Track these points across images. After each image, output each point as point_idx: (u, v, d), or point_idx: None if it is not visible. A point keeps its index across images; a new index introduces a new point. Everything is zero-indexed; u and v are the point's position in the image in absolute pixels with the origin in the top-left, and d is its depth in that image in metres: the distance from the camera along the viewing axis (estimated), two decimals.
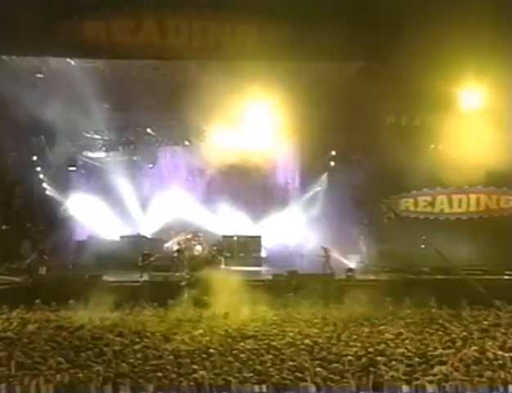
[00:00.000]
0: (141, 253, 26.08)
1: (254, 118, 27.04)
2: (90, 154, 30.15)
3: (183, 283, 22.94)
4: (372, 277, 24.69)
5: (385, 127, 27.21)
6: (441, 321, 18.18)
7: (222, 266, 28.22)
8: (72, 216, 29.67)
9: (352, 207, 27.14)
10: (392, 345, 15.05)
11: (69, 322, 18.06)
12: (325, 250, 26.30)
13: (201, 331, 16.60)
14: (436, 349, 14.70)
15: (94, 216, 30.14)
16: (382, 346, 14.91)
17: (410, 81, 22.71)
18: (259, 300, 20.45)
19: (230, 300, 20.98)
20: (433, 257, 25.15)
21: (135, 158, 30.31)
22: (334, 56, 23.79)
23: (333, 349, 14.70)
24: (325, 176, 30.58)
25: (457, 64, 22.35)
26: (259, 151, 28.58)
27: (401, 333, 16.47)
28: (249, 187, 31.35)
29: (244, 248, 28.90)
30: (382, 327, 17.32)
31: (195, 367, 12.83)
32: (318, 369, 12.75)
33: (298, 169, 31.79)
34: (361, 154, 28.54)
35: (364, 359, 13.62)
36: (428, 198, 29.16)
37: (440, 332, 16.64)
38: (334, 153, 29.75)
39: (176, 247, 28.07)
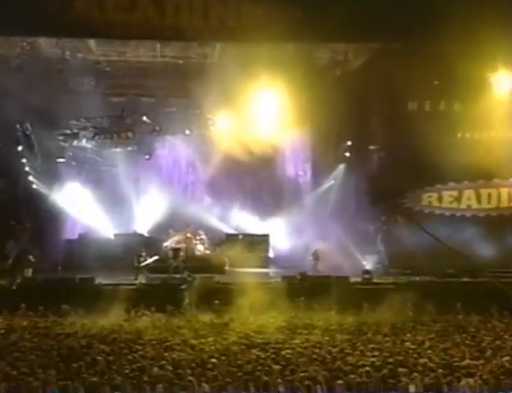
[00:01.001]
0: (136, 253, 26.09)
1: (262, 105, 27.02)
2: (81, 144, 30.13)
3: (184, 286, 22.92)
4: (391, 280, 24.63)
5: (407, 114, 27.10)
6: (468, 328, 18.11)
7: (226, 267, 28.23)
8: (61, 212, 29.69)
9: (369, 203, 27.06)
10: (415, 354, 14.99)
11: (59, 329, 18.05)
12: (315, 252, 26.46)
13: (204, 339, 16.57)
14: (463, 359, 14.63)
15: (85, 212, 30.15)
16: (403, 356, 14.86)
17: (435, 63, 22.65)
18: (267, 305, 20.45)
19: (234, 304, 21.05)
20: (460, 258, 25.11)
21: (130, 148, 30.25)
22: (349, 36, 23.67)
23: (348, 359, 14.66)
24: (339, 168, 30.55)
25: (487, 46, 22.21)
26: (267, 140, 28.57)
27: (423, 342, 16.43)
28: (256, 180, 31.37)
29: (251, 248, 28.85)
30: (403, 335, 17.27)
31: (193, 379, 12.79)
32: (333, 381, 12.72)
33: (310, 161, 31.73)
34: (380, 144, 28.50)
35: (383, 371, 13.58)
36: (454, 193, 29.05)
37: (467, 341, 16.59)
38: (349, 143, 29.69)
39: (172, 246, 28.08)
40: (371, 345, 16.03)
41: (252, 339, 16.78)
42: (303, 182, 32.07)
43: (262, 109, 27.21)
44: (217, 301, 21.07)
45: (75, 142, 29.59)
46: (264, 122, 27.70)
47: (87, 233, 29.98)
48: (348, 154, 29.92)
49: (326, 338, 16.95)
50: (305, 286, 23.00)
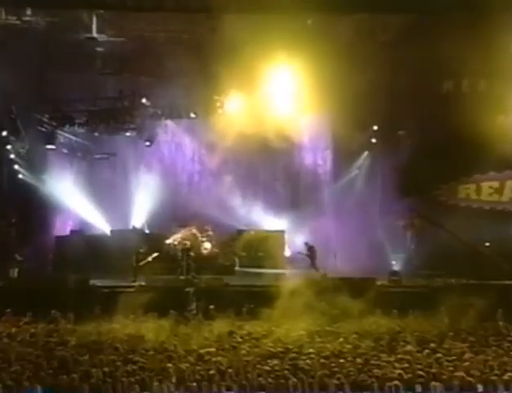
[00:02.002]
0: (135, 251, 26.10)
1: (277, 85, 26.95)
2: (73, 129, 30.12)
3: (189, 289, 22.91)
4: (423, 283, 24.53)
5: (441, 95, 26.95)
6: (510, 337, 17.99)
7: (237, 268, 28.22)
8: (51, 206, 29.71)
9: (397, 195, 26.98)
10: (450, 367, 14.88)
11: (49, 337, 18.04)
12: (310, 247, 26.51)
13: (212, 349, 16.55)
14: (504, 372, 14.53)
15: (78, 206, 30.18)
16: (436, 368, 14.75)
17: (474, 38, 22.39)
18: (282, 310, 20.44)
19: (246, 309, 21.02)
20: (503, 257, 25.02)
21: (128, 134, 30.24)
22: (376, 7, 23.50)
23: (374, 371, 14.58)
24: (364, 156, 30.42)
25: None
26: (283, 126, 28.45)
27: (460, 352, 16.32)
28: (270, 170, 31.32)
29: (264, 245, 28.80)
30: (436, 345, 17.16)
31: None
32: None
33: (331, 149, 31.63)
34: (410, 129, 28.36)
35: (413, 385, 13.48)
36: (495, 184, 28.89)
37: (511, 351, 16.48)
38: (375, 128, 29.55)
39: (176, 243, 28.08)
40: (400, 356, 15.93)
41: (267, 348, 16.75)
42: (322, 172, 32.01)
43: (277, 90, 27.13)
44: (224, 307, 21.09)
45: (67, 127, 29.56)
46: (280, 105, 27.63)
47: (80, 230, 30.03)
48: (373, 140, 29.81)
49: (349, 347, 16.88)
50: (325, 290, 22.89)
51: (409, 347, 17.03)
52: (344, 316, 20.40)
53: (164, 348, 16.74)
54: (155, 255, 26.36)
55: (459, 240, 26.43)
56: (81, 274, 24.24)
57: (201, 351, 16.29)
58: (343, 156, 30.64)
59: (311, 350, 16.38)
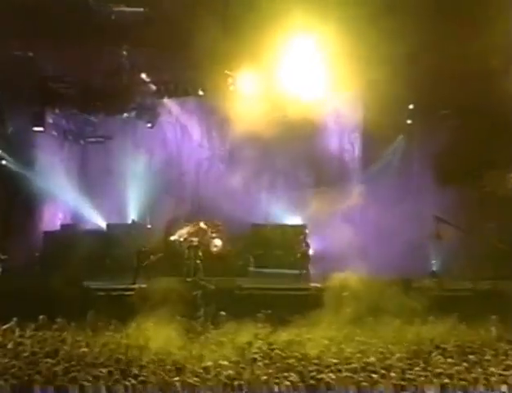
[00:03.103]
0: (137, 250, 26.12)
1: (297, 58, 26.81)
2: (64, 109, 30.16)
3: (196, 292, 22.92)
4: (468, 286, 24.45)
5: (489, 71, 26.76)
6: None
7: (251, 268, 28.20)
8: (38, 197, 29.78)
9: (437, 185, 26.85)
10: (504, 386, 14.81)
11: (36, 346, 18.01)
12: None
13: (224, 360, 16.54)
14: None
15: (70, 197, 30.25)
16: (483, 386, 14.70)
17: None
18: (304, 316, 20.59)
19: (262, 316, 21.03)
20: None
21: (126, 115, 30.26)
22: None
23: (408, 387, 14.58)
24: (398, 140, 30.27)
25: None
26: (304, 104, 28.36)
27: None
28: (290, 156, 31.21)
29: (283, 242, 28.73)
30: (482, 357, 17.07)
31: None
32: None
33: (360, 131, 31.51)
34: (453, 108, 28.20)
35: None
36: None
37: None
38: (411, 107, 29.39)
39: (182, 240, 28.07)
40: (438, 370, 15.85)
41: (283, 360, 16.72)
42: (350, 158, 31.93)
43: (298, 64, 26.99)
44: (236, 313, 21.07)
45: (57, 107, 29.57)
46: (301, 81, 27.49)
47: (71, 224, 30.09)
48: (409, 121, 29.64)
49: (378, 359, 16.81)
50: (354, 292, 22.88)
51: (450, 359, 16.94)
52: (376, 323, 20.35)
53: (167, 359, 16.71)
54: (159, 255, 26.37)
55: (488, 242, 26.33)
56: (73, 275, 24.31)
57: (209, 364, 16.27)
58: (374, 140, 30.49)
59: (334, 361, 16.38)
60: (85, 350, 17.67)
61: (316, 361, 16.54)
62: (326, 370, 15.67)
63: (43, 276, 25.63)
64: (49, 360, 16.43)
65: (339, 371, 15.62)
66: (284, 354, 17.24)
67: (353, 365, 16.15)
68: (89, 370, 15.63)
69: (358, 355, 17.10)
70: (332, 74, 26.91)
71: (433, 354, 17.45)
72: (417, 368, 15.99)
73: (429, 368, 16.04)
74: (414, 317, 21.04)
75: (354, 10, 24.70)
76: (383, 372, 15.58)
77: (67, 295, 22.29)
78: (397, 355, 17.22)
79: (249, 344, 18.48)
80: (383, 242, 27.42)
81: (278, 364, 16.38)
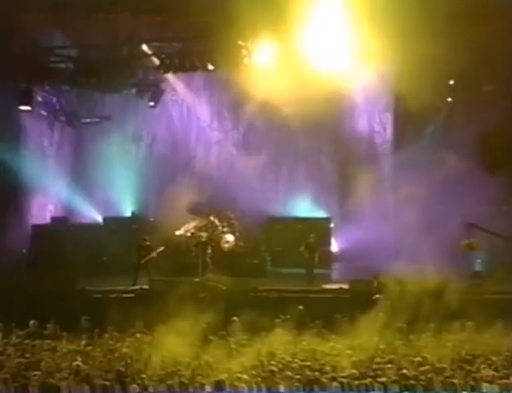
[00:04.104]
0: (136, 245, 26.14)
1: (321, 28, 26.68)
2: (55, 85, 30.14)
3: (204, 295, 22.92)
4: None
5: None
6: None
7: (268, 267, 28.15)
8: (26, 186, 29.81)
9: (482, 171, 26.73)
10: None
11: (23, 357, 18.00)
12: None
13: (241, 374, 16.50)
14: None
15: (62, 186, 30.28)
16: None
17: None
18: (329, 322, 20.63)
19: (279, 322, 20.98)
20: None
21: (126, 92, 30.23)
22: None
23: None
24: (436, 121, 30.12)
25: None
26: (328, 81, 28.28)
27: None
28: (312, 139, 31.18)
29: (304, 238, 28.62)
30: None
31: None
32: None
33: (392, 111, 31.39)
34: (499, 84, 28.05)
35: None
36: None
37: None
38: (452, 82, 29.25)
39: (189, 235, 28.07)
40: (486, 384, 15.67)
41: (303, 371, 16.65)
42: (381, 141, 31.89)
43: (321, 33, 26.86)
44: (250, 319, 21.02)
45: (46, 83, 29.56)
46: (325, 53, 27.37)
47: (63, 217, 30.14)
48: (449, 99, 29.48)
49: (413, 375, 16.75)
50: (386, 295, 22.86)
51: (495, 374, 16.83)
52: (405, 331, 20.30)
53: (174, 372, 16.68)
54: (161, 249, 26.35)
55: None
56: (65, 275, 24.35)
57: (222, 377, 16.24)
58: (409, 120, 30.41)
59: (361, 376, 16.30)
60: (79, 359, 17.68)
61: (343, 374, 16.50)
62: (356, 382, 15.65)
63: (31, 276, 25.65)
64: (38, 371, 16.46)
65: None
66: (306, 366, 17.20)
67: (386, 378, 16.11)
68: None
69: (389, 366, 17.03)
70: (361, 46, 26.73)
71: (478, 366, 17.33)
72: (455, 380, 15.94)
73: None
74: (453, 322, 20.96)
75: None
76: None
77: (59, 298, 22.29)
78: (436, 367, 17.13)
79: (269, 354, 18.45)
80: (418, 238, 27.28)
81: (299, 377, 16.36)
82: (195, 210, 29.41)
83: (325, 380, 16.06)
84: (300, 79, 28.08)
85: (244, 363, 17.42)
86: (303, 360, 17.64)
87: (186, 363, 17.52)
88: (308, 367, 17.13)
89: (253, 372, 16.73)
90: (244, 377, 16.18)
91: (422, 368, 16.90)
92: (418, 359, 17.67)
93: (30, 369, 16.60)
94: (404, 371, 16.63)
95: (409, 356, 18.04)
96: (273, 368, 16.92)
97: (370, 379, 15.94)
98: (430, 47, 26.14)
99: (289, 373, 16.54)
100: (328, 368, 16.99)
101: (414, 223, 28.09)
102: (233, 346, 19.25)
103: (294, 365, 17.29)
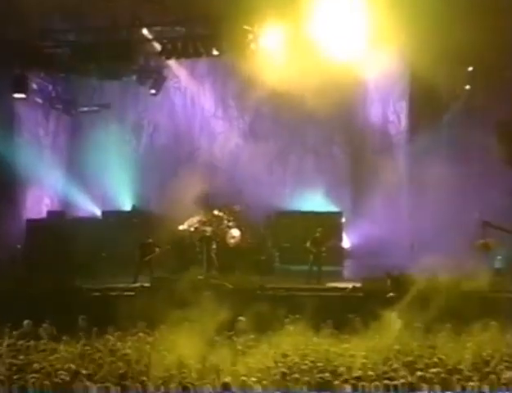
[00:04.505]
0: (140, 243, 26.19)
1: (332, 9, 26.64)
2: (51, 72, 30.14)
3: (209, 293, 22.92)
4: None
5: None
6: None
7: (277, 264, 28.15)
8: (20, 178, 29.80)
9: (505, 162, 26.73)
10: None
11: (18, 358, 17.97)
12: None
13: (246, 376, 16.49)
14: None
15: (58, 178, 30.29)
16: None
17: None
18: (341, 322, 20.70)
19: (288, 321, 21.02)
20: None
21: (126, 79, 30.19)
22: None
23: None
24: (454, 109, 30.09)
25: None
26: (339, 67, 28.24)
27: None
28: (323, 128, 31.15)
29: (314, 233, 28.59)
30: None
31: None
32: None
33: (407, 99, 31.32)
34: None
35: None
36: None
37: None
38: (470, 69, 29.22)
39: (192, 229, 28.06)
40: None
41: (316, 374, 16.66)
42: (395, 131, 31.78)
43: (332, 17, 26.83)
44: (256, 320, 21.09)
45: (42, 69, 29.57)
46: (336, 37, 27.33)
47: (60, 211, 30.14)
48: (468, 87, 29.46)
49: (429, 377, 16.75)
50: (399, 295, 22.85)
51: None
52: (417, 332, 20.32)
53: (180, 377, 16.70)
54: (165, 248, 26.41)
55: None
56: (62, 272, 24.35)
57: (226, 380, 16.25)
58: (425, 109, 30.29)
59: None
60: (77, 363, 17.69)
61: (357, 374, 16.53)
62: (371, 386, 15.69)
63: (26, 273, 25.68)
64: (34, 374, 16.47)
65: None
66: (316, 368, 17.20)
67: (401, 380, 16.10)
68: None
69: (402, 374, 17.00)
70: (375, 29, 26.70)
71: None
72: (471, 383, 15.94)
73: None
74: (473, 323, 20.92)
75: None
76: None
77: (55, 297, 22.29)
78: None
79: (279, 355, 18.47)
80: (434, 233, 27.31)
81: (308, 379, 16.38)
82: (199, 204, 29.38)
83: (337, 382, 16.15)
84: (310, 64, 28.00)
85: (251, 365, 17.50)
86: (313, 362, 17.69)
87: (191, 365, 17.58)
88: (319, 368, 17.22)
89: (259, 375, 16.81)
90: (252, 379, 16.27)
91: (436, 370, 16.96)
92: (434, 360, 17.75)
93: (23, 372, 16.67)
94: (420, 373, 16.72)
95: (424, 358, 18.10)
96: (283, 369, 16.97)
97: (385, 381, 16.03)
98: (448, 32, 26.11)
99: (297, 376, 16.61)
100: (342, 370, 17.06)
101: (430, 218, 28.13)
102: (239, 347, 19.32)
103: (303, 367, 17.35)
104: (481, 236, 26.47)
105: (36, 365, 17.05)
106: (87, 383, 15.73)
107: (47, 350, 18.74)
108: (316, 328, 20.62)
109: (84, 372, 16.65)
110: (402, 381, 15.99)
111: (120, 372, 16.69)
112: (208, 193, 29.76)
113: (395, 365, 17.38)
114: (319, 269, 26.34)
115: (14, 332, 20.29)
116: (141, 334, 20.39)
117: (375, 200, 29.99)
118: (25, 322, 20.76)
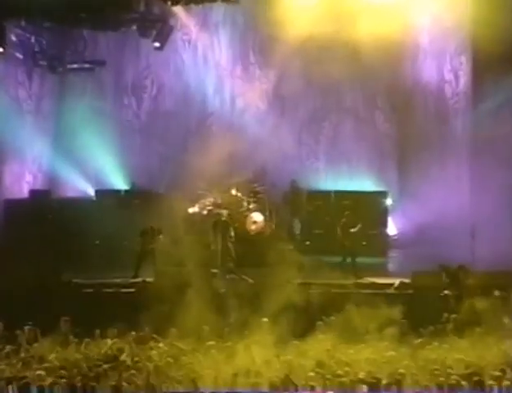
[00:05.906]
0: (139, 227, 26.32)
1: None
2: (33, 22, 30.22)
3: (224, 290, 23.07)
4: None
5: None
6: None
7: (306, 255, 28.23)
8: None
9: None
10: None
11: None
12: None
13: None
14: None
15: (42, 151, 30.45)
16: None
17: None
18: (383, 325, 20.71)
19: (320, 324, 21.22)
20: None
21: (124, 30, 30.25)
22: None
23: None
24: None
25: None
26: (383, 13, 28.36)
27: None
28: (364, 92, 31.24)
29: (353, 218, 28.67)
30: None
31: None
32: None
33: (468, 54, 31.16)
34: None
35: None
36: None
37: None
38: None
39: (205, 212, 28.14)
40: None
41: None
42: (452, 94, 31.74)
43: None
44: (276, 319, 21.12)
45: (23, 18, 29.70)
46: None
47: (45, 190, 30.29)
48: None
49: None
50: (454, 294, 23.00)
51: None
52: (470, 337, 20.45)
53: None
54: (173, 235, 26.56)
55: None
56: (47, 263, 24.53)
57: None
58: (489, 66, 30.09)
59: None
60: (69, 368, 17.86)
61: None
62: None
63: (4, 264, 25.86)
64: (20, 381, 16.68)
65: None
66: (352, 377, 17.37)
67: None
68: None
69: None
70: None
71: None
72: None
73: None
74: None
75: None
76: None
77: (41, 293, 22.47)
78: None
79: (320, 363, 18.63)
80: (499, 219, 27.31)
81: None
82: (213, 182, 29.45)
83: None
84: (347, 12, 28.12)
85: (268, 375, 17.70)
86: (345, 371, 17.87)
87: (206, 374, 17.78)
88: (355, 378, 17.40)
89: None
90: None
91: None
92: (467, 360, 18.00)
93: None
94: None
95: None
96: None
97: None
98: None
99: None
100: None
101: (496, 201, 28.07)
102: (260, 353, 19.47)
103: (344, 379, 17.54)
104: None
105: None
106: None
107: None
108: (351, 330, 20.78)
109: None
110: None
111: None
112: (224, 169, 29.83)
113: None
114: (353, 261, 26.46)
115: None
116: (135, 335, 20.55)
117: (427, 177, 30.03)
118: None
